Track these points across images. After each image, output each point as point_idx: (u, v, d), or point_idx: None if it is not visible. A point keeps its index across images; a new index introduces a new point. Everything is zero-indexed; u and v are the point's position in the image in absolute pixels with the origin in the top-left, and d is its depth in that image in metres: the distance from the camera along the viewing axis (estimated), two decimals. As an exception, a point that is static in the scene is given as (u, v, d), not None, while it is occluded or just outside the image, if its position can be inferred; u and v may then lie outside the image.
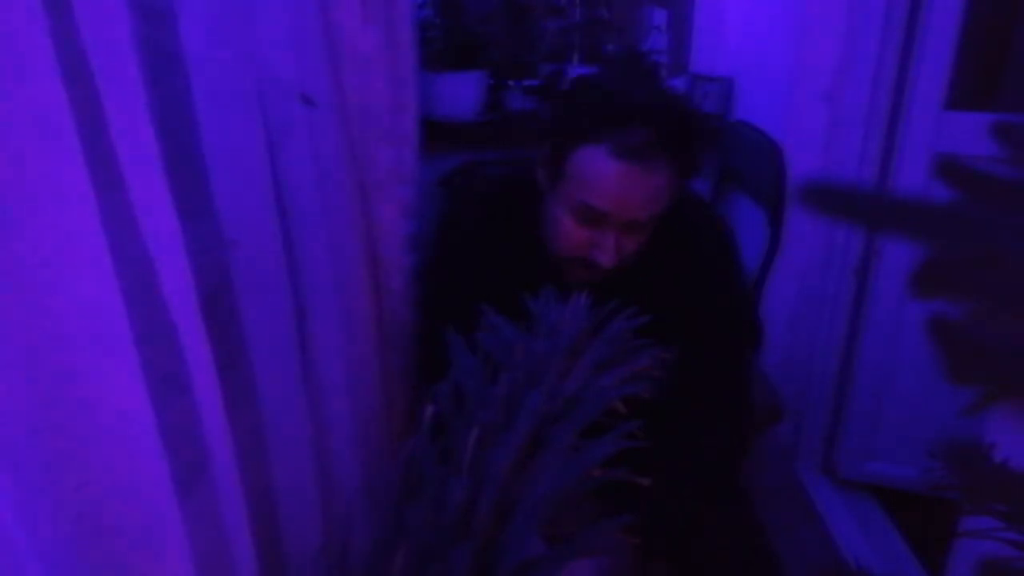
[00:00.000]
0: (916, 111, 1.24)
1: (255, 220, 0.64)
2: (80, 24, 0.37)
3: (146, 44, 0.45)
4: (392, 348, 1.01)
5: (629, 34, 1.82)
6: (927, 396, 1.35)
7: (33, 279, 0.35)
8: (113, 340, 0.39)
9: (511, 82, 1.59)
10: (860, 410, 1.45)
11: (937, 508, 1.32)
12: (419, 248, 1.04)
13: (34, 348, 0.36)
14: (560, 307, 0.42)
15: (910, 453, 1.42)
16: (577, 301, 0.42)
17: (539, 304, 0.42)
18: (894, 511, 1.45)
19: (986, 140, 0.20)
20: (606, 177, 0.73)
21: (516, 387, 0.36)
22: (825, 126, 1.29)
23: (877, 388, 1.42)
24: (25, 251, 0.35)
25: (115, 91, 0.39)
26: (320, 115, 0.74)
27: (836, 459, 1.51)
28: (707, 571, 0.88)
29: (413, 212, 1.02)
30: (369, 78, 0.88)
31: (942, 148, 1.24)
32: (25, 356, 0.35)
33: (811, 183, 0.16)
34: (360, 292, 0.89)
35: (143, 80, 0.41)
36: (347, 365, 0.82)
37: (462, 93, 1.47)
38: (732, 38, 1.64)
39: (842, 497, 1.49)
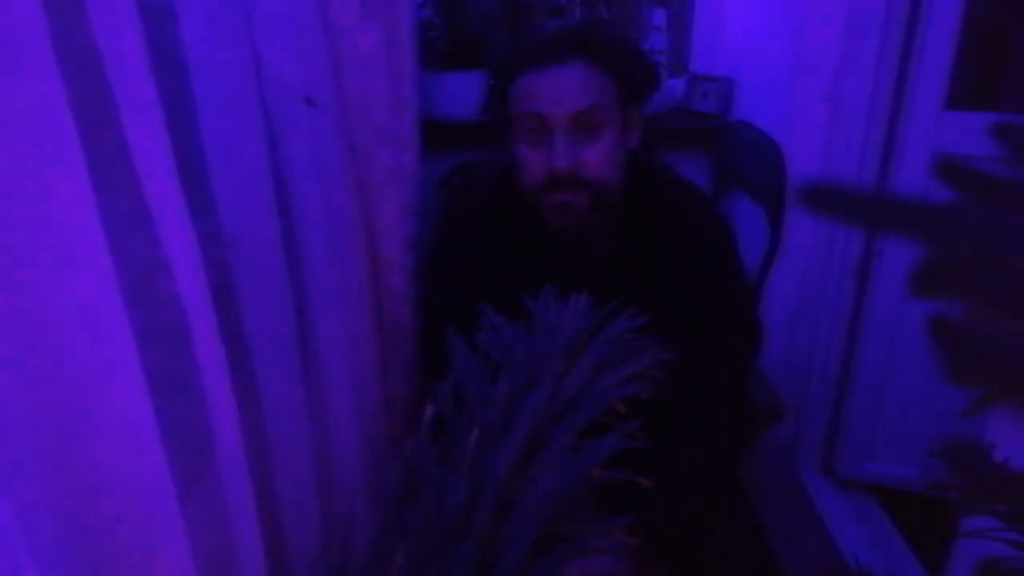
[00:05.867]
0: (916, 111, 1.24)
1: (255, 220, 0.64)
2: (92, 24, 0.37)
3: (149, 44, 0.45)
4: (392, 348, 1.01)
5: (629, 34, 1.82)
6: (927, 396, 1.35)
7: (32, 278, 0.35)
8: (113, 340, 0.39)
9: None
10: (860, 410, 1.45)
11: (937, 508, 1.32)
12: (419, 248, 1.04)
13: (33, 348, 0.36)
14: (560, 307, 0.42)
15: (910, 453, 1.42)
16: (577, 301, 0.42)
17: (539, 304, 0.42)
18: (894, 511, 1.45)
19: (986, 140, 0.20)
20: (531, 83, 0.82)
21: (516, 387, 0.36)
22: (825, 126, 1.29)
23: (877, 388, 1.42)
24: (23, 250, 0.35)
25: (127, 90, 0.39)
26: (320, 115, 0.74)
27: (836, 459, 1.51)
28: (707, 571, 0.88)
29: (413, 212, 1.02)
30: (369, 78, 0.88)
31: (942, 148, 1.24)
32: (24, 356, 0.35)
33: (811, 183, 0.16)
34: (360, 292, 0.89)
35: (154, 79, 0.42)
36: (348, 365, 0.82)
37: (462, 93, 1.47)
38: (732, 38, 1.64)
39: (842, 497, 1.49)
